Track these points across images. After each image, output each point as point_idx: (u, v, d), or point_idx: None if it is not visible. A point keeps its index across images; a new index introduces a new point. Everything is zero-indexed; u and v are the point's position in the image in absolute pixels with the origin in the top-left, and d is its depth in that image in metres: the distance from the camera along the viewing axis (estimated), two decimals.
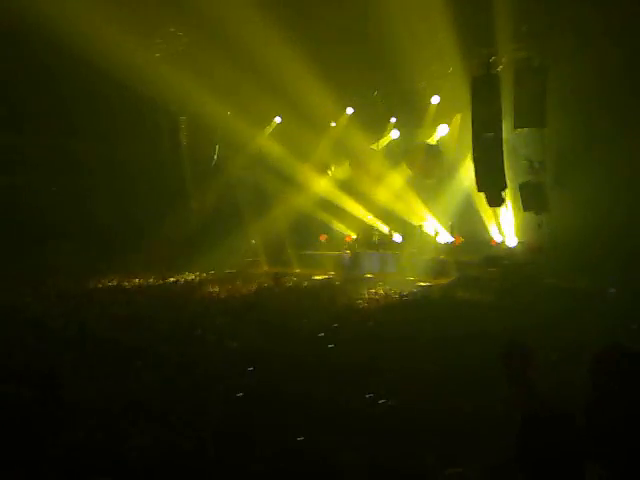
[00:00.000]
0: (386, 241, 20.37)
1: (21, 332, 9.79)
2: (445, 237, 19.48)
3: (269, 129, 21.95)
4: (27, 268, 16.59)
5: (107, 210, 19.87)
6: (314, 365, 7.82)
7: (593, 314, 10.00)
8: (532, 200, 14.82)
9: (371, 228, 21.24)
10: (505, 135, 14.90)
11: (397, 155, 20.80)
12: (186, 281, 17.39)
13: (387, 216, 20.73)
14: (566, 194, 14.73)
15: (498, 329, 8.92)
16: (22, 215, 17.90)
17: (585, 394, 3.40)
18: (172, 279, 17.50)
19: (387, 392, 6.46)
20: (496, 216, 18.01)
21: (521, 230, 17.22)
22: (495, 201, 15.13)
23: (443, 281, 16.31)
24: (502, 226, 18.02)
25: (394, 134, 20.83)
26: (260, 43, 14.76)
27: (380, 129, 20.79)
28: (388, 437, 5.22)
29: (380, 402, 6.28)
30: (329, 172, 22.33)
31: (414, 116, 19.53)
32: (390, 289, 14.79)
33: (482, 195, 15.35)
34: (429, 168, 19.96)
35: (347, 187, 21.40)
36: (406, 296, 13.78)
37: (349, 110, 20.28)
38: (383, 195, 20.55)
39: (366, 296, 13.97)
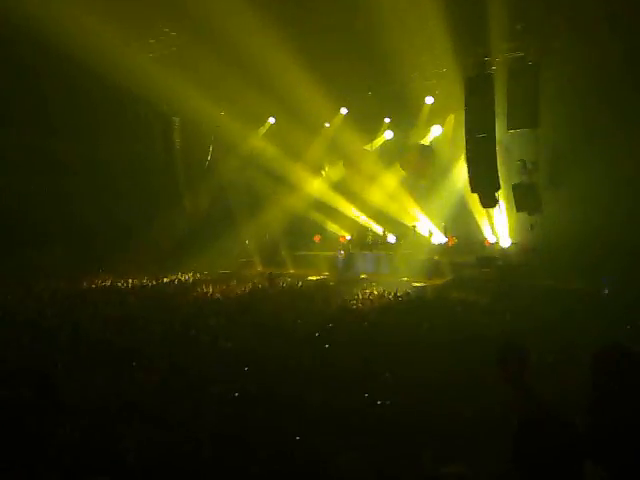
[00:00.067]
0: (380, 242, 20.39)
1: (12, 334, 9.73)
2: (439, 238, 19.50)
3: (263, 130, 21.92)
4: (8, 270, 16.45)
5: (92, 211, 19.70)
6: (308, 367, 7.79)
7: (588, 315, 10.02)
8: (525, 201, 14.88)
9: (365, 229, 21.27)
10: (498, 136, 14.95)
11: (391, 155, 20.81)
12: (180, 282, 17.33)
13: (381, 217, 20.76)
14: (561, 193, 14.75)
15: (493, 331, 8.90)
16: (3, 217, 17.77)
17: (583, 395, 3.39)
18: (165, 279, 17.43)
19: (382, 395, 6.42)
20: (490, 217, 18.05)
21: (514, 231, 17.27)
22: (489, 202, 15.17)
23: (437, 282, 16.32)
24: (496, 227, 18.07)
25: (388, 134, 20.86)
26: (254, 44, 14.71)
27: (374, 129, 20.81)
28: (384, 440, 5.20)
29: (376, 405, 6.24)
30: (323, 172, 22.36)
31: (408, 116, 19.55)
32: (384, 290, 14.76)
33: (476, 196, 15.38)
34: (423, 168, 20.00)
35: (341, 187, 21.42)
36: (400, 297, 13.75)
37: (343, 110, 20.27)
38: (377, 196, 20.57)
39: (360, 297, 13.94)
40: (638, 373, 3.17)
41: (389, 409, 6.09)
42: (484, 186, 14.89)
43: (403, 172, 20.50)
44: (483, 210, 17.28)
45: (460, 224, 19.02)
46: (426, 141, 20.03)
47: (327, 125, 21.05)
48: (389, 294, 14.14)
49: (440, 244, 19.16)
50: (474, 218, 18.41)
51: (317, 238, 21.68)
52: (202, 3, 13.39)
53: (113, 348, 8.86)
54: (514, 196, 15.09)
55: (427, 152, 19.88)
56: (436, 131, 19.69)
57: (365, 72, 17.24)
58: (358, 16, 14.14)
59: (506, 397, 4.08)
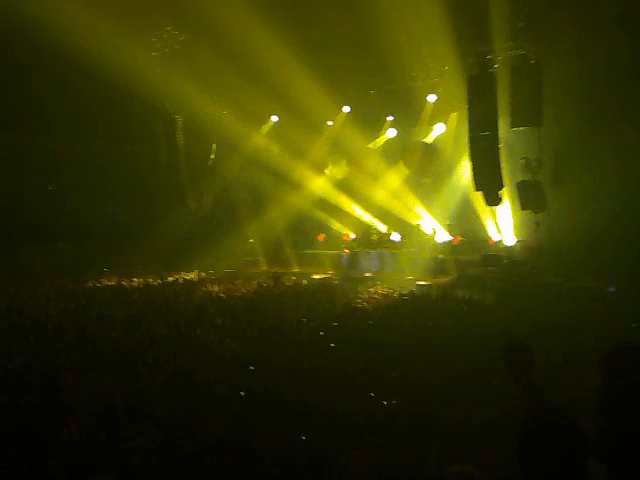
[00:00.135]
0: (384, 240, 20.36)
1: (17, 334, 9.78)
2: (443, 236, 19.48)
3: (266, 128, 21.93)
4: (14, 269, 16.52)
5: (96, 210, 19.75)
6: (313, 367, 7.78)
7: (594, 313, 9.97)
8: (530, 199, 14.83)
9: (369, 227, 21.25)
10: (502, 133, 14.92)
11: (394, 154, 20.77)
12: (184, 281, 17.34)
13: (385, 215, 20.74)
14: (567, 191, 14.64)
15: (499, 331, 8.88)
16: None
17: (591, 396, 3.38)
18: (170, 279, 17.46)
19: (388, 396, 6.41)
20: (494, 215, 18.01)
21: (519, 229, 17.22)
22: (493, 200, 15.15)
23: (442, 280, 16.30)
24: (500, 225, 18.03)
25: (391, 133, 20.83)
26: (257, 43, 14.71)
27: (377, 128, 20.81)
28: (390, 441, 5.20)
29: (381, 406, 6.23)
30: (326, 171, 22.34)
31: (411, 115, 19.51)
32: (389, 288, 14.76)
33: (480, 194, 15.35)
34: (426, 167, 19.96)
35: (344, 186, 21.40)
36: (405, 295, 13.75)
37: (346, 109, 20.26)
38: (380, 194, 20.55)
39: (365, 296, 13.93)
40: None
41: (395, 410, 6.08)
42: (488, 184, 14.87)
43: (407, 170, 20.46)
44: (487, 208, 17.25)
45: (464, 222, 18.99)
46: (429, 139, 20.00)
47: (330, 123, 21.06)
48: (394, 293, 14.14)
49: (445, 242, 19.13)
50: (478, 216, 18.38)
51: (321, 237, 21.67)
52: (204, 1, 13.39)
53: (118, 348, 8.88)
54: (519, 194, 15.05)
55: (430, 150, 19.84)
56: (439, 129, 19.67)
57: (368, 70, 17.26)
58: (361, 15, 14.12)
59: (511, 397, 4.08)
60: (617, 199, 13.57)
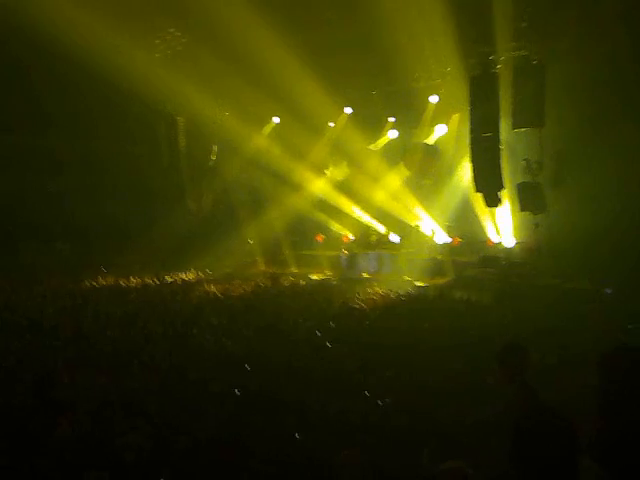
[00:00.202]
0: (383, 241, 20.31)
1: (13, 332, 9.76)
2: (442, 237, 19.44)
3: (267, 129, 21.91)
4: (12, 268, 16.50)
5: (94, 210, 19.76)
6: (309, 366, 7.76)
7: (591, 315, 9.95)
8: (530, 200, 14.78)
9: (368, 228, 21.21)
10: (503, 135, 14.88)
11: (395, 155, 20.72)
12: (182, 281, 17.32)
13: (384, 216, 20.68)
14: (567, 193, 14.60)
15: (496, 332, 8.85)
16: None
17: (586, 396, 3.36)
18: (168, 279, 17.42)
19: (383, 395, 6.38)
20: (493, 216, 17.97)
21: (519, 230, 17.18)
22: (492, 201, 15.11)
23: (440, 281, 16.26)
24: (499, 226, 17.99)
25: (392, 134, 20.78)
26: (259, 44, 14.70)
27: (378, 129, 20.73)
28: (384, 440, 5.18)
29: (376, 405, 6.20)
30: (327, 172, 22.30)
31: (412, 116, 19.43)
32: (387, 289, 14.73)
33: (480, 195, 15.32)
34: (427, 168, 19.90)
35: (345, 187, 21.36)
36: (403, 296, 13.72)
37: (347, 110, 20.23)
38: (380, 195, 20.50)
39: (363, 296, 13.90)
40: None
41: (389, 409, 6.05)
42: (488, 185, 14.84)
43: (407, 172, 20.40)
44: (487, 209, 17.21)
45: (464, 223, 18.93)
46: (431, 140, 19.93)
47: (331, 125, 21.00)
48: (392, 293, 14.11)
49: (444, 243, 19.08)
50: (478, 218, 18.33)
51: (320, 238, 21.63)
52: (207, 3, 13.39)
53: (113, 346, 8.87)
54: (518, 196, 15.01)
55: (431, 151, 19.78)
56: (441, 130, 19.60)
57: (370, 71, 17.22)
58: (363, 16, 14.10)
59: (506, 397, 4.05)
60: (617, 200, 13.50)
